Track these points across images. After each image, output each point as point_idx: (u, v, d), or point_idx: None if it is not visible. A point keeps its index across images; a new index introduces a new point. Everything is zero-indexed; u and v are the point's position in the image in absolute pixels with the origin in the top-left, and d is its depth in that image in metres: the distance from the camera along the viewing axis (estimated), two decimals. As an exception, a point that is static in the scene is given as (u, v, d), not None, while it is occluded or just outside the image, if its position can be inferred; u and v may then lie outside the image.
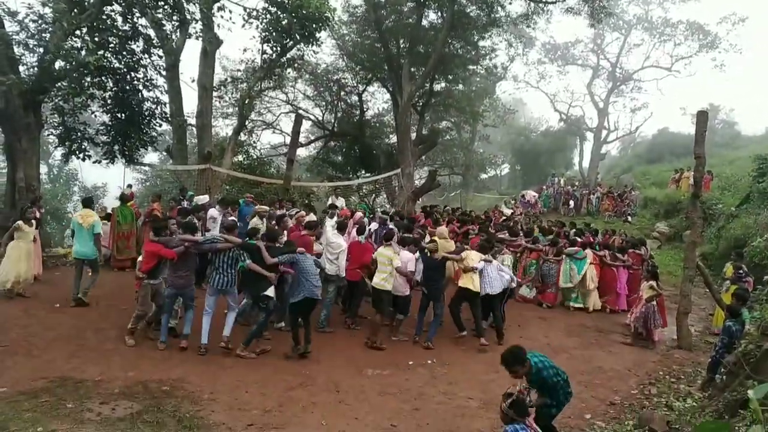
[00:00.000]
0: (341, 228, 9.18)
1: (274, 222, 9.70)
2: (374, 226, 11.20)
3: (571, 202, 25.47)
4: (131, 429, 5.01)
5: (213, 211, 10.33)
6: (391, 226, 10.68)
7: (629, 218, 22.23)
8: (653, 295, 9.59)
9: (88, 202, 9.45)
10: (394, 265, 8.33)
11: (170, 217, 9.13)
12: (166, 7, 11.64)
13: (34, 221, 9.27)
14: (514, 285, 9.87)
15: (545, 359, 4.77)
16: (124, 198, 11.33)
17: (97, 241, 9.02)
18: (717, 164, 24.37)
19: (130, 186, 15.23)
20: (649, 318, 9.51)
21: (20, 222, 8.91)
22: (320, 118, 26.76)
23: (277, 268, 7.65)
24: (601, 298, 11.79)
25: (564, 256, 11.66)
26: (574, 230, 14.52)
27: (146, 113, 12.32)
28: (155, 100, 12.55)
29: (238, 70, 19.24)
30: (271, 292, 7.58)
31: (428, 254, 8.85)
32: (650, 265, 10.88)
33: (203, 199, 10.85)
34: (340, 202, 15.05)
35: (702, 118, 9.63)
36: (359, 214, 12.22)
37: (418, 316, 9.02)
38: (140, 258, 7.90)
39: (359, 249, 9.15)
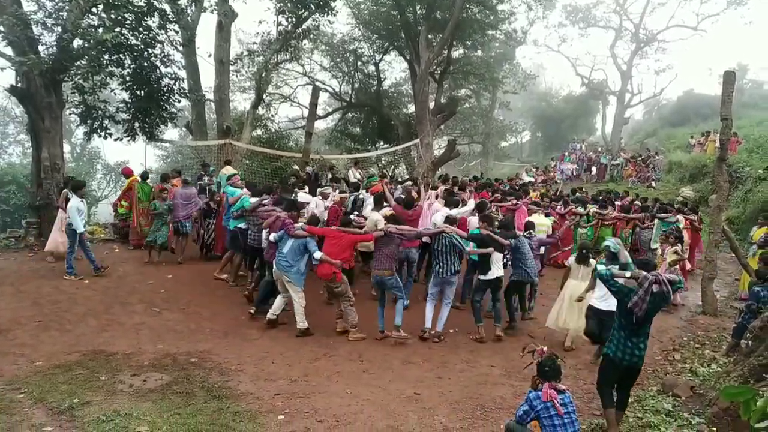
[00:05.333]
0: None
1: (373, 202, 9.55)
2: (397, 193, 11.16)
3: (593, 169, 25.12)
4: (162, 399, 5.17)
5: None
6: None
7: (653, 183, 21.87)
8: (677, 259, 9.51)
9: (228, 162, 12.49)
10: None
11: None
12: (180, -21, 11.61)
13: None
14: None
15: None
16: (144, 175, 11.50)
17: None
18: (745, 126, 23.73)
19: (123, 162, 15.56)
20: None
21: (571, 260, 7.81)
22: (337, 90, 26.57)
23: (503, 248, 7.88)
24: None
25: (656, 221, 11.84)
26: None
27: (165, 89, 12.30)
28: (173, 75, 12.51)
29: (254, 43, 19.11)
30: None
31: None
32: (674, 229, 10.79)
33: (308, 198, 10.23)
34: (358, 174, 15.02)
35: (729, 78, 9.31)
36: (443, 187, 12.07)
37: None
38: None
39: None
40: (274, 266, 7.46)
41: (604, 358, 5.04)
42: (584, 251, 7.71)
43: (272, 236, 7.59)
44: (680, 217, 11.92)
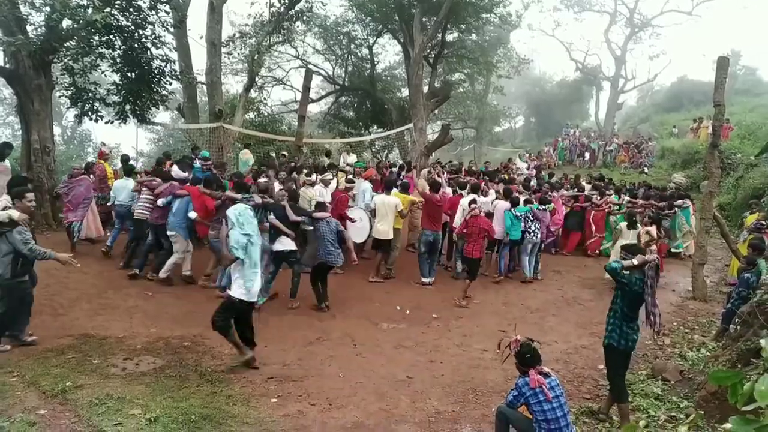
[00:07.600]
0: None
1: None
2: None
3: (587, 154, 25.17)
4: (155, 383, 5.18)
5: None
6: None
7: (645, 169, 21.97)
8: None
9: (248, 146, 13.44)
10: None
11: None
12: (170, -40, 11.39)
13: None
14: None
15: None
16: (124, 158, 11.44)
17: None
18: (737, 112, 23.80)
19: (104, 143, 15.44)
20: None
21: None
22: (331, 73, 26.38)
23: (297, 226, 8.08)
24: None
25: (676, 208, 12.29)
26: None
27: (156, 71, 12.11)
28: (164, 57, 12.29)
29: (246, 25, 18.87)
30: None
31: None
32: (652, 211, 10.96)
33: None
34: (351, 158, 14.95)
35: (722, 64, 9.31)
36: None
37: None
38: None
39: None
40: (168, 227, 8.33)
41: (607, 350, 5.08)
42: (633, 219, 9.63)
43: (160, 201, 8.48)
44: (689, 202, 12.39)
